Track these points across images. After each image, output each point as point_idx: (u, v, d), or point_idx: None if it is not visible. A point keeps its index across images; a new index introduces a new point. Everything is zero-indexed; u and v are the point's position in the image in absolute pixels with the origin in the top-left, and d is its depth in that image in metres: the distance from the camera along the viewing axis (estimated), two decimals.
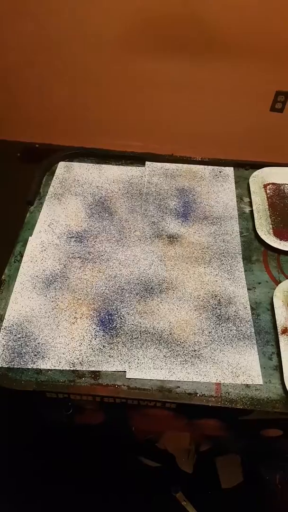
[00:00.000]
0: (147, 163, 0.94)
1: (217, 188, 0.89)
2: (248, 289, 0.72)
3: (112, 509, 1.06)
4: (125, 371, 0.61)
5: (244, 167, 0.93)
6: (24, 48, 1.70)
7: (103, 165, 0.93)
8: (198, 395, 0.59)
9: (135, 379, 0.60)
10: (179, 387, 0.60)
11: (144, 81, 1.77)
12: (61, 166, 0.92)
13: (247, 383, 0.60)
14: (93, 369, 0.61)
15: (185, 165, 0.94)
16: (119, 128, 2.01)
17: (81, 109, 1.94)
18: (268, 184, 0.90)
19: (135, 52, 1.64)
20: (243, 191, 0.89)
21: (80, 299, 0.69)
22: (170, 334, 0.66)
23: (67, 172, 0.91)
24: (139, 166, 0.93)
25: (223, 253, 0.77)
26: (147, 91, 1.81)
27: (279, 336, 0.64)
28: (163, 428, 0.69)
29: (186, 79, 1.73)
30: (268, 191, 0.88)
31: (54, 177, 0.90)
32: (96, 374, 0.60)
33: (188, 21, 1.52)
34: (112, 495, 1.08)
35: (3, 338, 0.64)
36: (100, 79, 1.79)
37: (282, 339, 0.64)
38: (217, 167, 0.93)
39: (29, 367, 0.61)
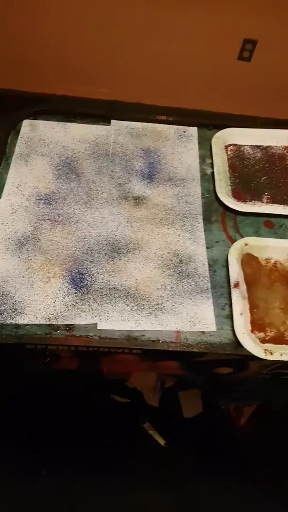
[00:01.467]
0: (112, 121, 0.95)
1: (181, 149, 0.93)
2: (207, 247, 0.79)
3: (87, 440, 1.19)
4: (97, 324, 0.68)
5: (208, 127, 0.96)
6: None
7: (69, 124, 0.93)
8: (160, 341, 0.68)
9: (105, 330, 0.68)
10: (144, 335, 0.68)
11: (110, 24, 1.68)
12: (26, 125, 0.92)
13: (203, 330, 0.69)
14: (67, 322, 0.67)
15: (150, 124, 0.96)
16: (84, 74, 1.92)
17: (44, 52, 1.82)
18: (230, 145, 0.94)
19: None
20: (206, 152, 0.93)
21: (52, 259, 0.74)
22: (136, 290, 0.73)
23: (32, 131, 0.91)
24: (104, 125, 0.94)
25: (185, 214, 0.83)
26: (113, 35, 1.72)
27: (231, 289, 0.73)
28: (131, 369, 0.78)
29: (153, 23, 1.65)
30: (229, 152, 0.93)
31: (19, 136, 0.90)
32: (70, 327, 0.67)
33: None
34: (86, 428, 1.21)
35: None
36: (65, 20, 1.68)
37: (234, 292, 0.72)
38: (181, 126, 0.96)
39: (8, 323, 0.66)
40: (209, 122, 0.96)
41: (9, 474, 1.12)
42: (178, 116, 0.96)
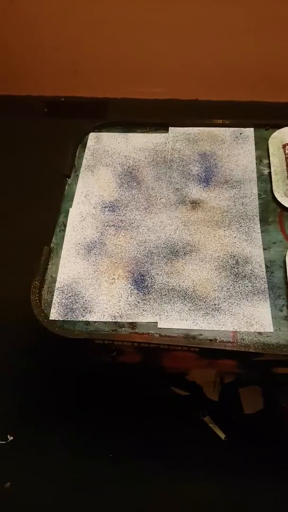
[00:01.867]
0: (170, 128, 0.99)
1: (237, 150, 0.94)
2: (264, 249, 0.81)
3: (147, 431, 1.26)
4: (157, 322, 0.74)
5: (264, 127, 0.97)
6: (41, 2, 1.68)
7: (129, 134, 0.99)
8: (217, 341, 0.71)
9: (165, 328, 0.73)
10: (201, 334, 0.72)
11: (159, 25, 1.72)
12: (92, 138, 1.00)
13: (260, 331, 0.72)
14: (130, 320, 0.74)
15: (207, 129, 0.98)
16: (140, 75, 1.99)
17: (101, 59, 1.92)
18: (287, 144, 0.94)
19: None
20: (263, 153, 0.93)
21: (116, 262, 0.81)
22: (193, 291, 0.77)
23: (97, 143, 0.99)
24: (163, 133, 0.99)
25: (241, 216, 0.85)
26: (163, 34, 1.76)
27: None
28: (190, 366, 0.83)
29: (205, 21, 1.67)
30: (286, 151, 0.93)
31: (86, 148, 0.98)
32: (133, 325, 0.74)
33: None
34: (147, 418, 1.28)
35: (57, 297, 0.77)
36: (117, 28, 1.76)
37: None
38: (238, 128, 0.97)
39: (80, 320, 0.75)
40: (265, 122, 0.96)
41: (76, 459, 1.23)
42: (234, 119, 0.97)
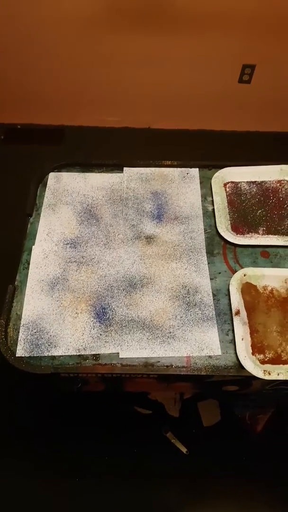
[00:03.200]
0: (125, 169, 1.08)
1: (185, 189, 1.05)
2: (211, 278, 0.91)
3: (115, 448, 1.32)
4: (118, 353, 0.81)
5: (208, 167, 1.08)
6: None
7: (88, 174, 1.07)
8: (173, 366, 0.80)
9: (126, 358, 0.80)
10: (159, 361, 0.80)
11: (118, 57, 1.84)
12: (52, 177, 1.06)
13: (210, 354, 0.81)
14: (94, 352, 0.80)
15: (158, 169, 1.08)
16: (96, 104, 2.09)
17: (59, 88, 2.00)
18: (228, 183, 1.06)
19: (106, 30, 1.70)
20: (207, 191, 1.04)
21: (79, 297, 0.87)
22: (151, 320, 0.85)
23: (57, 182, 1.05)
24: (118, 173, 1.07)
25: (190, 249, 0.95)
26: (120, 66, 1.88)
27: (233, 316, 0.84)
28: (150, 389, 0.90)
29: (158, 53, 1.81)
30: (227, 190, 1.05)
31: (47, 188, 1.04)
32: (96, 356, 0.80)
33: (159, 1, 1.58)
34: (113, 437, 1.33)
35: (23, 333, 0.82)
36: (76, 58, 1.85)
37: (235, 319, 0.84)
38: (185, 168, 1.08)
39: (45, 355, 0.80)
40: (209, 163, 1.07)
41: (43, 478, 1.26)
42: (182, 160, 1.08)
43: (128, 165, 1.08)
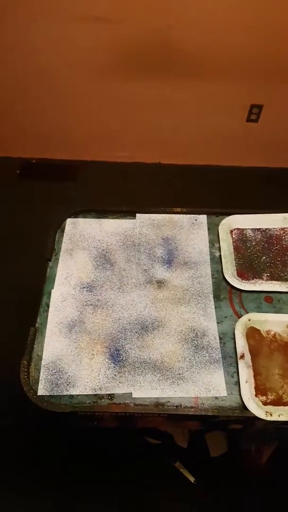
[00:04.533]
0: (137, 215, 1.17)
1: (193, 235, 1.13)
2: (218, 322, 0.98)
3: (125, 476, 1.37)
4: (131, 393, 0.87)
5: (215, 214, 1.16)
6: (18, 75, 1.87)
7: (102, 219, 1.16)
8: (182, 406, 0.86)
9: (138, 397, 0.87)
10: (169, 401, 0.87)
11: (130, 100, 1.96)
12: (69, 223, 1.15)
13: (216, 395, 0.87)
14: (109, 392, 0.87)
15: (168, 215, 1.16)
16: (108, 141, 2.20)
17: (73, 126, 2.12)
18: (234, 229, 1.13)
19: (118, 74, 1.83)
20: (214, 237, 1.12)
21: (94, 339, 0.95)
22: (161, 362, 0.92)
23: (74, 228, 1.14)
24: (131, 219, 1.16)
25: (198, 293, 1.03)
26: (132, 108, 2.00)
27: (238, 360, 0.91)
28: (160, 426, 0.96)
29: (168, 96, 1.92)
30: (233, 236, 1.12)
31: (64, 233, 1.13)
32: (111, 396, 0.87)
33: (167, 48, 1.71)
34: (123, 466, 1.38)
35: (43, 373, 0.90)
36: (89, 99, 1.98)
37: (240, 362, 0.90)
38: (193, 215, 1.16)
39: (64, 394, 0.87)
40: (216, 211, 1.15)
41: (55, 502, 1.31)
42: (190, 207, 1.16)
43: (141, 211, 1.17)
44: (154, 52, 1.73)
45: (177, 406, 0.86)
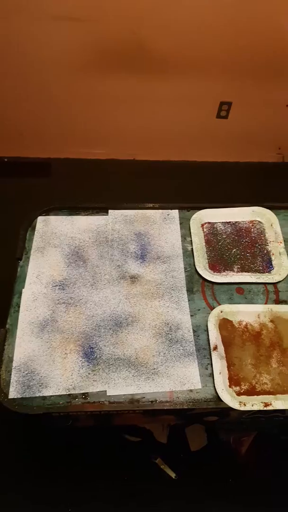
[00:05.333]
0: (110, 211, 1.16)
1: (165, 230, 1.13)
2: (191, 315, 0.98)
3: (105, 475, 1.36)
4: (106, 390, 0.86)
5: (186, 209, 1.16)
6: None
7: (74, 217, 1.14)
8: (157, 401, 0.86)
9: (113, 395, 0.86)
10: (144, 397, 0.86)
11: (104, 96, 1.94)
12: (40, 221, 1.13)
13: (191, 388, 0.88)
14: (82, 391, 0.86)
15: (140, 211, 1.16)
16: (82, 139, 2.18)
17: (47, 122, 2.09)
18: (205, 223, 1.14)
19: (93, 71, 1.82)
20: (186, 231, 1.12)
21: (67, 338, 0.93)
22: (136, 358, 0.91)
23: (45, 226, 1.12)
24: (103, 215, 1.15)
25: (172, 287, 1.03)
26: (106, 104, 1.99)
27: (211, 351, 0.91)
28: (136, 423, 0.96)
29: (142, 93, 1.92)
30: (205, 230, 1.13)
31: (35, 231, 1.11)
32: (85, 395, 0.86)
33: (141, 47, 1.71)
34: (103, 464, 1.37)
35: (14, 375, 0.87)
36: (63, 96, 1.95)
37: (213, 354, 0.91)
38: (165, 210, 1.16)
39: (37, 395, 0.85)
40: (188, 205, 1.16)
41: (35, 505, 1.29)
42: (159, 198, 1.16)
43: (113, 207, 1.16)
44: (127, 50, 1.72)
45: (152, 402, 0.86)
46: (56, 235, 1.10)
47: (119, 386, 0.87)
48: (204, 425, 1.25)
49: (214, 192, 2.01)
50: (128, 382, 0.88)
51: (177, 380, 0.89)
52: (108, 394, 0.86)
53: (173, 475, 1.39)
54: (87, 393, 0.86)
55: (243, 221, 1.14)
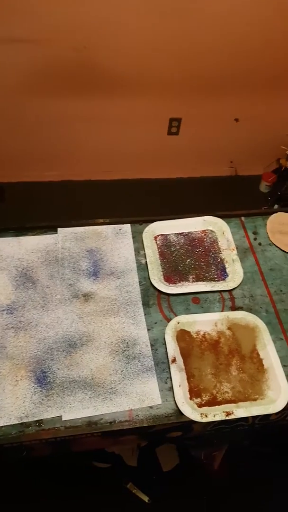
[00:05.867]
0: (59, 229, 1.13)
1: (118, 245, 1.11)
2: (148, 329, 0.96)
3: (76, 505, 1.28)
4: (61, 415, 0.82)
5: (139, 223, 1.16)
6: None
7: (21, 237, 1.10)
8: (116, 422, 0.82)
9: (69, 419, 0.81)
10: (102, 419, 0.82)
11: (55, 117, 1.93)
12: None
13: (150, 405, 0.85)
14: (36, 418, 0.81)
15: (91, 227, 1.14)
16: (35, 161, 2.15)
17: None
18: (158, 235, 1.14)
19: (45, 92, 1.81)
20: (139, 245, 1.11)
21: (18, 364, 0.88)
22: (92, 378, 0.88)
23: None
24: (52, 234, 1.12)
25: (127, 302, 1.00)
26: (58, 126, 1.98)
27: (170, 364, 0.89)
28: (97, 447, 0.91)
29: (94, 113, 1.93)
30: (158, 242, 1.12)
31: None
32: (39, 422, 0.81)
33: (88, 67, 1.72)
34: (73, 494, 1.30)
35: None
36: (13, 119, 1.92)
37: (172, 367, 0.89)
38: (117, 225, 1.15)
39: None
40: (139, 219, 1.15)
41: None
42: (114, 217, 1.15)
43: (62, 225, 1.13)
44: (75, 71, 1.73)
45: (111, 423, 0.82)
46: (2, 257, 1.06)
47: (75, 410, 0.83)
48: (169, 442, 1.21)
49: (169, 208, 2.04)
50: (85, 405, 0.83)
51: (136, 397, 0.85)
52: (63, 419, 0.81)
53: (146, 498, 1.34)
54: (41, 420, 0.81)
55: (195, 231, 1.15)
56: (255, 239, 1.14)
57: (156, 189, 2.26)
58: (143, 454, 1.40)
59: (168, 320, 0.98)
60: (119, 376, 0.88)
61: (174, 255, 1.10)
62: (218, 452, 1.35)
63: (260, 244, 1.13)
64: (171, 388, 0.87)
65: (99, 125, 2.02)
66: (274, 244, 1.13)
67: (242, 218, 1.19)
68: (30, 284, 1.01)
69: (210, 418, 0.82)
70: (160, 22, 1.59)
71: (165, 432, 0.87)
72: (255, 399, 0.88)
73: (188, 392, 0.87)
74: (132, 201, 2.14)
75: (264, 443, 1.39)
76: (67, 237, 1.11)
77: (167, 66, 1.77)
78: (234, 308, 1.01)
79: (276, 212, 1.20)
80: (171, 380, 0.88)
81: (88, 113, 1.94)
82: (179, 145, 2.16)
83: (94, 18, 1.55)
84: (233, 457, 1.37)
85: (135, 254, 1.09)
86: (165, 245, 1.12)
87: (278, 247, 1.13)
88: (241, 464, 1.41)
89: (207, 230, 1.15)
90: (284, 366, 0.92)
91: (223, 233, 1.13)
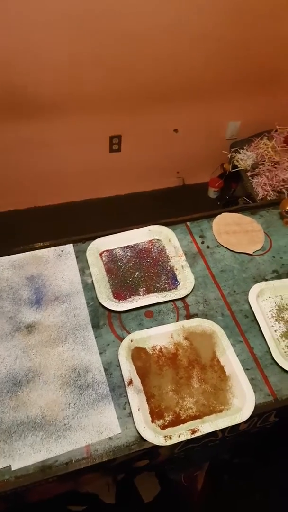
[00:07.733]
0: None
1: (61, 267, 1.04)
2: (100, 353, 0.89)
3: None
4: (10, 465, 0.72)
5: (81, 241, 1.10)
6: None
7: None
8: (73, 461, 0.74)
9: (19, 468, 0.72)
10: (57, 461, 0.74)
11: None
12: None
13: (109, 436, 0.77)
14: None
15: (30, 253, 1.07)
16: None
17: None
18: (103, 252, 1.08)
19: None
20: (84, 264, 1.05)
21: None
22: (42, 417, 0.79)
23: None
24: None
25: (75, 327, 0.93)
26: (1, 153, 1.90)
27: (126, 387, 0.82)
28: (56, 492, 0.82)
29: (33, 139, 1.87)
30: (103, 259, 1.07)
31: None
32: None
33: (19, 93, 1.67)
34: None
35: None
36: None
37: (129, 390, 0.82)
38: (58, 246, 1.08)
39: None
40: (81, 237, 1.09)
41: None
42: (54, 239, 1.09)
43: None
44: (7, 97, 1.68)
45: (67, 463, 0.73)
46: None
47: (26, 456, 0.73)
48: (142, 471, 1.13)
49: (119, 224, 2.00)
50: (36, 448, 0.75)
51: (93, 430, 0.78)
52: (13, 469, 0.72)
53: None
54: None
55: (141, 242, 1.10)
56: (202, 242, 1.11)
57: (105, 207, 2.22)
58: (121, 487, 1.30)
59: (121, 339, 0.91)
60: (72, 410, 0.80)
61: (121, 269, 1.05)
62: (200, 471, 1.28)
63: (208, 247, 1.11)
64: (131, 414, 0.80)
65: (39, 150, 1.96)
66: (222, 245, 1.11)
67: (188, 223, 1.16)
68: None
69: (174, 440, 0.76)
70: (88, 38, 1.58)
71: (130, 462, 0.80)
72: (220, 411, 0.82)
73: (149, 415, 0.80)
74: (79, 223, 2.09)
75: (244, 454, 1.33)
76: (4, 267, 1.03)
77: (98, 84, 1.76)
78: (189, 316, 0.97)
79: (220, 213, 1.18)
80: (129, 404, 0.81)
81: (27, 137, 1.88)
82: (123, 161, 2.15)
83: (15, 38, 1.51)
84: (216, 471, 1.30)
85: (80, 275, 1.03)
86: (111, 260, 1.07)
87: (226, 248, 1.10)
88: (225, 478, 1.34)
89: (153, 239, 1.11)
90: (246, 370, 0.88)
91: (169, 241, 1.10)
